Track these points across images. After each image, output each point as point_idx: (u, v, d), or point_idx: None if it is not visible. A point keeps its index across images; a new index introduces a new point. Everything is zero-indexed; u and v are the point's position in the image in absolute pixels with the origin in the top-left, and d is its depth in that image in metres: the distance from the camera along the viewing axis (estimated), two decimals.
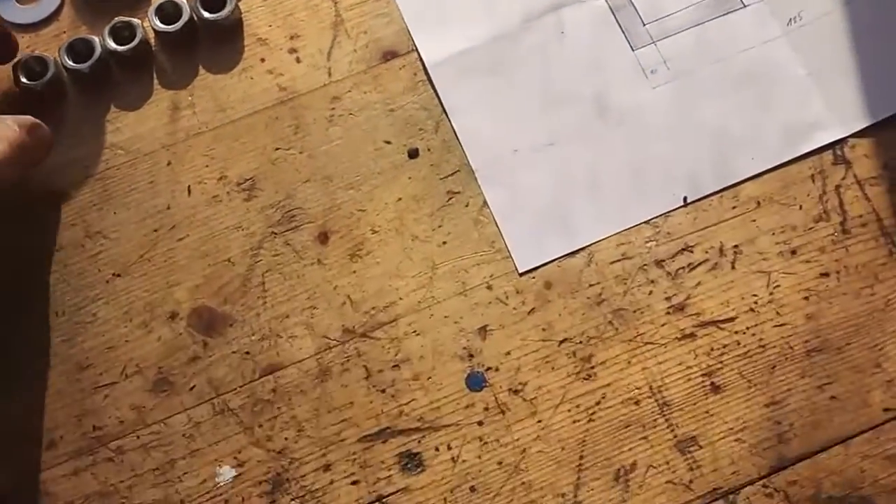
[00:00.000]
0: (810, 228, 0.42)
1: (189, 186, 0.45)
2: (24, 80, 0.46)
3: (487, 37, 0.46)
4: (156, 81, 0.47)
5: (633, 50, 0.46)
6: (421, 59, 0.47)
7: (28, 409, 0.42)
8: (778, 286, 0.41)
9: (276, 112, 0.46)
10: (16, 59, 0.46)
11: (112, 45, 0.46)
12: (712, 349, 0.40)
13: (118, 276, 0.44)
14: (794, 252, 0.42)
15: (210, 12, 0.47)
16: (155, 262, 0.44)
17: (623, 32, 0.46)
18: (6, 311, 0.43)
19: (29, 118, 0.42)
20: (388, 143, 0.46)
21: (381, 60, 0.47)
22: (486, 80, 0.46)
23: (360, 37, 0.48)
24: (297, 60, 0.47)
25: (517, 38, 0.46)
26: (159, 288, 0.44)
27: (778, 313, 0.41)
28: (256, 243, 0.44)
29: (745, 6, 0.46)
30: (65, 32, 0.49)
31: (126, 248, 0.44)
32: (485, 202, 0.44)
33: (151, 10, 0.47)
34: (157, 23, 0.47)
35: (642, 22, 0.46)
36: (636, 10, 0.46)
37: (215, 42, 0.48)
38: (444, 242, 0.43)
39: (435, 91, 0.46)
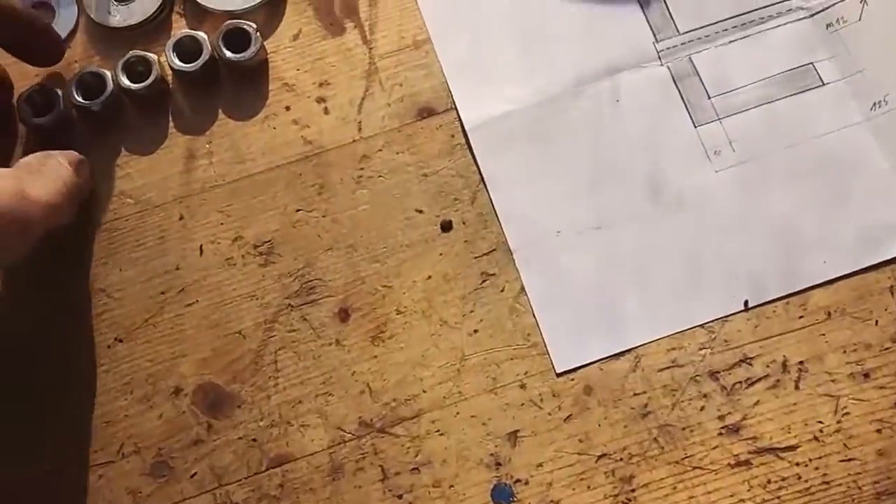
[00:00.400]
0: (886, 349, 0.38)
1: (201, 246, 0.42)
2: (28, 115, 0.42)
3: (534, 99, 0.42)
4: (171, 124, 0.44)
5: (695, 126, 0.41)
6: (460, 120, 0.43)
7: (29, 482, 0.38)
8: (847, 413, 0.37)
9: (299, 168, 0.43)
10: (19, 93, 0.42)
11: (126, 81, 0.43)
12: (769, 481, 0.36)
13: (120, 341, 0.40)
14: (867, 375, 0.37)
15: (233, 51, 0.43)
16: (160, 329, 0.41)
17: (685, 105, 0.42)
18: (19, 371, 0.40)
19: (75, 154, 0.40)
20: (420, 212, 0.42)
21: (417, 118, 0.43)
22: (529, 148, 0.42)
23: (394, 89, 0.43)
24: (325, 111, 0.43)
25: (567, 102, 0.42)
26: (164, 359, 0.40)
27: (846, 445, 0.37)
28: (271, 316, 0.40)
29: (823, 84, 0.41)
30: (76, 62, 0.45)
31: (130, 310, 0.41)
32: (522, 288, 0.40)
33: (170, 44, 0.43)
34: (175, 60, 0.43)
35: (707, 94, 0.41)
36: (701, 80, 0.42)
37: (237, 84, 0.44)
38: (476, 331, 0.40)
39: (473, 157, 0.42)
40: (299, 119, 0.43)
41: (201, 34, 0.43)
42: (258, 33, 0.43)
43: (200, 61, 0.43)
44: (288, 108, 0.43)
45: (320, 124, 0.43)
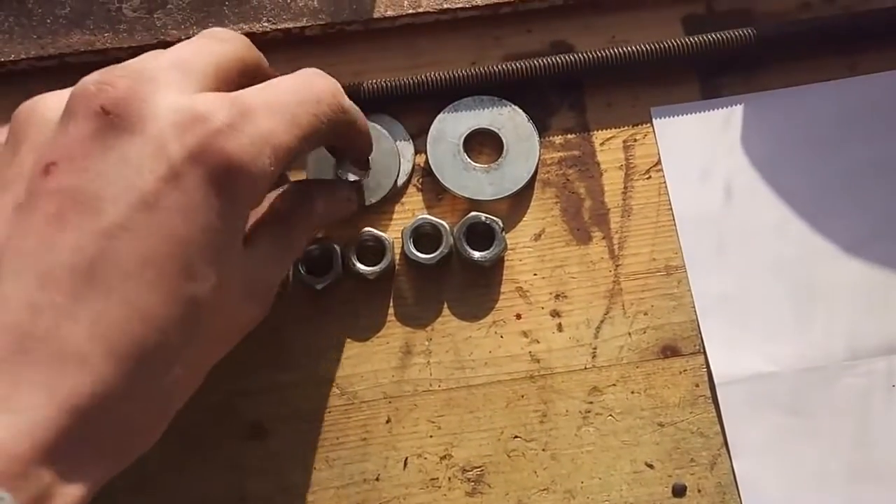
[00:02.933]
0: None
1: (406, 458, 0.38)
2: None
3: (799, 364, 0.38)
4: (391, 309, 0.40)
5: None
6: (708, 368, 0.39)
7: None
8: None
9: (523, 388, 0.39)
10: None
11: (359, 266, 0.39)
12: None
13: None
14: None
15: (473, 246, 0.39)
16: None
17: None
18: None
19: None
20: (651, 466, 0.38)
21: (659, 355, 0.39)
22: (785, 420, 0.37)
23: (638, 317, 0.40)
24: (559, 328, 0.40)
25: (835, 376, 0.38)
26: None
27: None
28: None
29: None
30: None
31: None
32: None
33: (408, 230, 0.40)
34: (413, 248, 0.40)
35: None
36: None
37: (468, 279, 0.40)
38: None
39: (718, 415, 0.38)
40: (529, 332, 0.40)
41: (444, 224, 0.40)
42: (503, 232, 0.39)
43: (439, 254, 0.39)
44: (518, 317, 0.40)
45: (551, 342, 0.40)
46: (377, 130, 0.41)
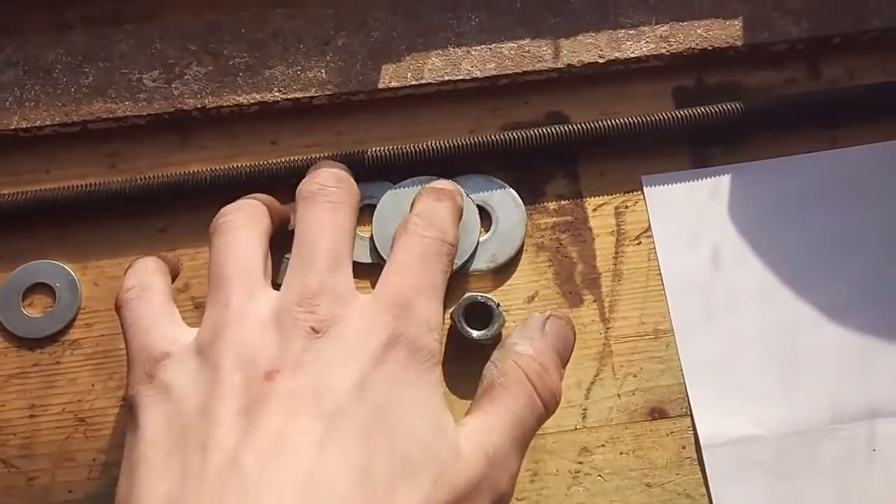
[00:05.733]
0: None
1: None
2: None
3: (785, 428, 0.39)
4: None
5: None
6: (694, 431, 0.40)
7: None
8: None
9: None
10: None
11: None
12: None
13: None
14: None
15: (471, 326, 0.41)
16: None
17: None
18: None
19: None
20: None
21: (647, 417, 0.40)
22: (769, 482, 0.38)
23: (627, 379, 0.41)
24: None
25: (818, 439, 0.39)
26: None
27: None
28: None
29: None
30: None
31: None
32: None
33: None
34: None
35: None
36: None
37: (468, 359, 0.41)
38: None
39: (704, 477, 0.39)
40: None
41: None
42: (500, 308, 0.41)
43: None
44: None
45: None
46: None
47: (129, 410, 0.34)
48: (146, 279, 0.38)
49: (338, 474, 0.30)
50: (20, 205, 0.43)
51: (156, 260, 0.39)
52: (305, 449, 0.30)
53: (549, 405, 0.35)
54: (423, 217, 0.38)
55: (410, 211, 0.39)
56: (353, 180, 0.39)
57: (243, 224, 0.37)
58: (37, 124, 0.45)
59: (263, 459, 0.30)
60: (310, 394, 0.32)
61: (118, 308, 0.37)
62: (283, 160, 0.43)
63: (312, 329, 0.33)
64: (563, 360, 0.37)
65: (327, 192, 0.37)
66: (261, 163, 0.44)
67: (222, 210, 0.38)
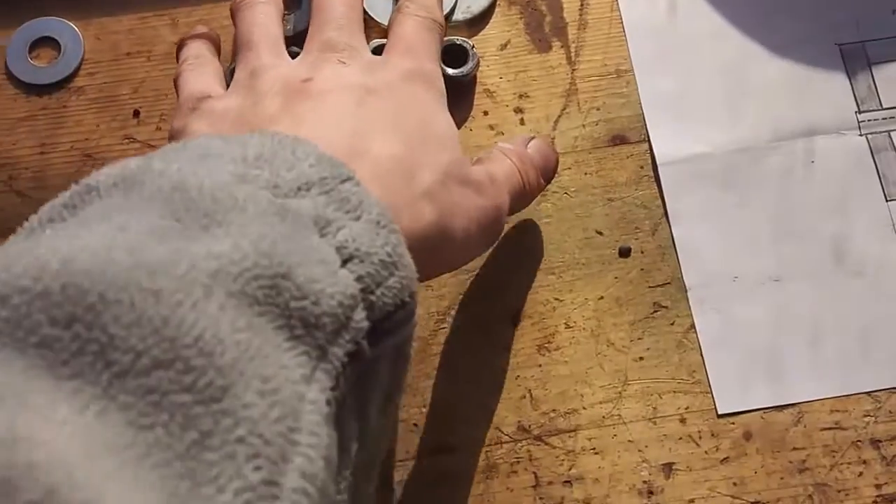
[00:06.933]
0: None
1: None
2: None
3: (729, 146, 0.43)
4: None
5: (886, 200, 0.42)
6: (651, 153, 0.44)
7: None
8: None
9: None
10: None
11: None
12: None
13: None
14: None
15: (450, 66, 0.44)
16: None
17: (879, 177, 0.42)
18: None
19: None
20: (600, 233, 0.43)
21: (609, 143, 0.44)
22: (717, 193, 0.43)
23: (591, 112, 0.45)
24: (522, 122, 0.45)
25: (761, 155, 0.43)
26: None
27: None
28: (444, 308, 0.42)
29: None
30: None
31: None
32: (692, 326, 0.41)
33: None
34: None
35: None
36: None
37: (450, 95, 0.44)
38: (641, 358, 0.40)
39: (660, 190, 0.43)
40: (495, 125, 0.45)
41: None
42: (474, 49, 0.44)
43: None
44: (486, 113, 0.45)
45: (515, 133, 0.44)
46: None
47: (172, 140, 0.36)
48: (203, 53, 0.40)
49: (377, 119, 0.33)
50: None
51: (208, 42, 0.41)
52: (345, 104, 0.34)
53: (530, 179, 0.38)
54: (413, 1, 0.40)
55: None
56: None
57: (261, 1, 0.40)
58: None
59: (312, 106, 0.33)
60: (345, 86, 0.35)
61: (176, 78, 0.39)
62: None
63: (339, 61, 0.36)
64: (544, 173, 0.40)
65: None
66: None
67: None
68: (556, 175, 0.43)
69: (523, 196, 0.39)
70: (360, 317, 0.26)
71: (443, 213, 0.33)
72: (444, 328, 0.41)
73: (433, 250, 0.32)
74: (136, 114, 0.45)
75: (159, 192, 0.25)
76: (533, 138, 0.41)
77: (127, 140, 0.45)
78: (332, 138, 0.31)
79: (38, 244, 0.23)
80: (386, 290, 0.27)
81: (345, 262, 0.26)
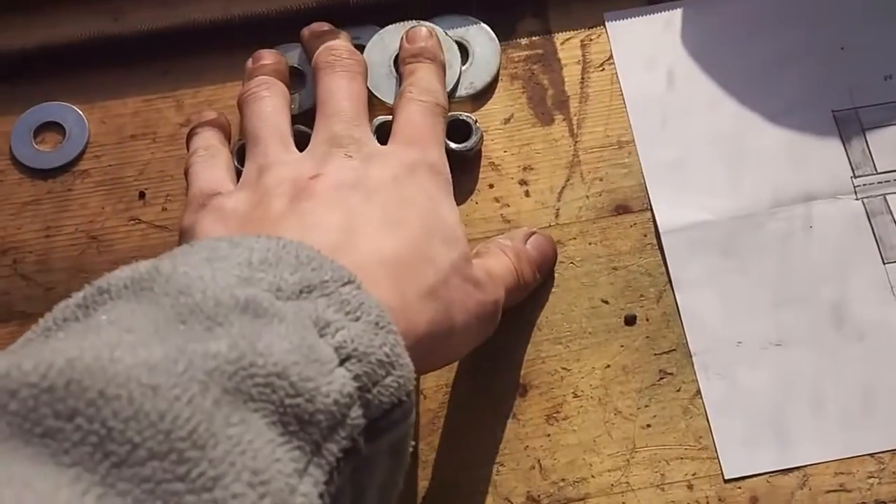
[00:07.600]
0: None
1: None
2: None
3: (729, 213, 0.44)
4: None
5: (884, 263, 0.43)
6: (654, 221, 0.45)
7: None
8: None
9: None
10: None
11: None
12: None
13: None
14: None
15: (454, 141, 0.45)
16: None
17: (876, 241, 0.43)
18: None
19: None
20: (606, 302, 0.44)
21: (613, 213, 0.46)
22: (719, 260, 0.44)
23: (594, 183, 0.46)
24: (527, 194, 0.46)
25: (761, 222, 0.44)
26: None
27: None
28: (451, 379, 0.43)
29: None
30: None
31: None
32: (698, 391, 0.42)
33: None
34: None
35: None
36: (894, 219, 0.43)
37: (454, 169, 0.46)
38: (649, 425, 0.41)
39: (663, 258, 0.44)
40: (500, 198, 0.46)
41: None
42: (477, 124, 0.46)
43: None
44: (491, 186, 0.47)
45: (520, 205, 0.46)
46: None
47: (182, 237, 0.39)
48: (213, 144, 0.42)
49: (382, 216, 0.36)
50: (30, 52, 0.48)
51: (218, 131, 0.44)
52: (351, 201, 0.36)
53: (525, 276, 0.41)
54: (416, 85, 0.43)
55: (396, 58, 0.46)
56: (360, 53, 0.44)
57: (268, 94, 0.42)
58: None
59: (317, 204, 0.35)
60: (350, 182, 0.37)
61: (186, 170, 0.41)
62: (273, 7, 0.48)
63: (346, 155, 0.38)
64: (540, 268, 0.42)
65: (344, 62, 0.43)
66: (253, 10, 0.48)
67: (245, 85, 0.43)
68: (562, 245, 0.45)
69: (518, 291, 0.40)
70: (356, 414, 0.27)
71: (444, 310, 0.34)
72: (451, 399, 0.42)
73: (434, 346, 0.34)
74: (142, 195, 0.47)
75: (166, 296, 0.27)
76: (534, 233, 0.42)
77: (132, 221, 0.46)
78: (336, 238, 0.33)
79: (48, 345, 0.25)
80: (383, 389, 0.28)
81: (342, 362, 0.27)
